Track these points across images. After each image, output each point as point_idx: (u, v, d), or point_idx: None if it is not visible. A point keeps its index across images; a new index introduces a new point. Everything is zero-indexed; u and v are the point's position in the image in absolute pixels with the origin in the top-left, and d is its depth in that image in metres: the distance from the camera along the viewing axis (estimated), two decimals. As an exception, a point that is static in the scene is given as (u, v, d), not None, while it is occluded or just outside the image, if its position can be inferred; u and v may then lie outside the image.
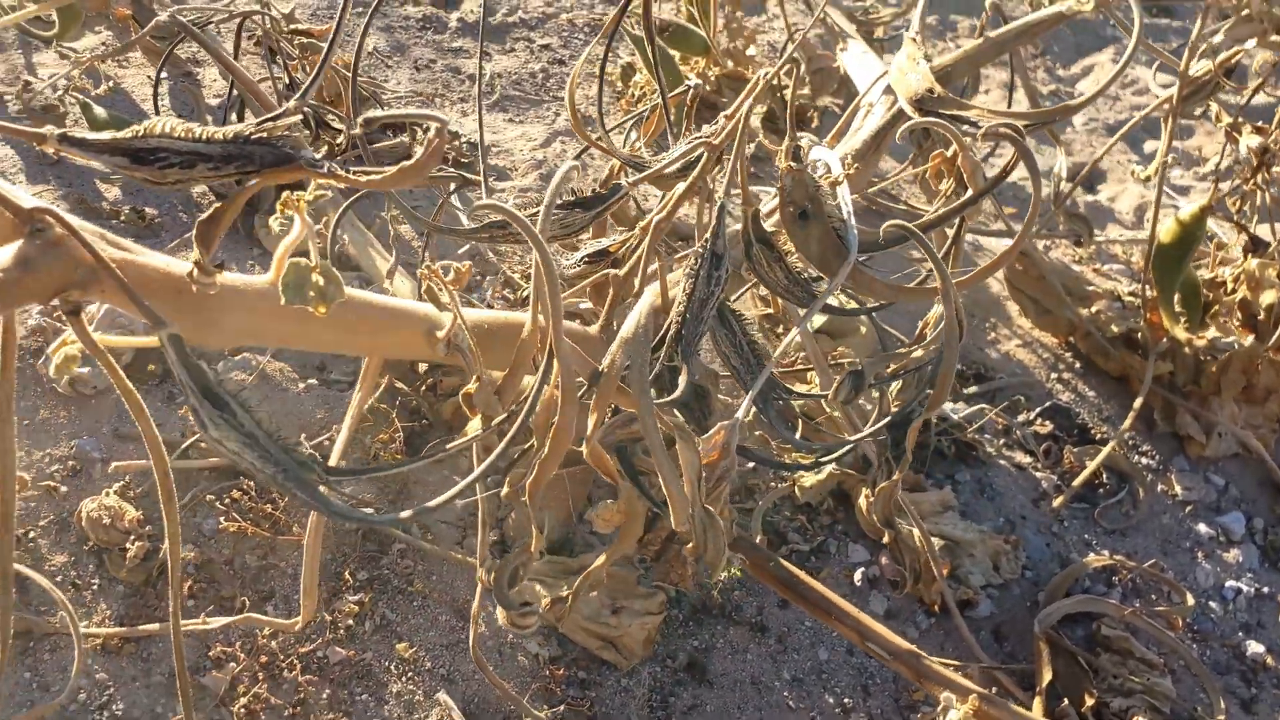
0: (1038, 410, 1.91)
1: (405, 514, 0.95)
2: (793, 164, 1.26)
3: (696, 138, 1.31)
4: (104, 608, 1.42)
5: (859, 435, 1.27)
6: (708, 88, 2.53)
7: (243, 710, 1.34)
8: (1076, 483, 1.76)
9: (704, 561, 1.15)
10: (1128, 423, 1.79)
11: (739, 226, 1.25)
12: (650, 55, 1.51)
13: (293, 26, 2.39)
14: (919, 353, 1.35)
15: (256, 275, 1.02)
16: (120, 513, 1.47)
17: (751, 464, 1.73)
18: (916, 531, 1.52)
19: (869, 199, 1.86)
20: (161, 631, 1.39)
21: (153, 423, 0.89)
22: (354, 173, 0.94)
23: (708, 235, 1.23)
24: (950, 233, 1.58)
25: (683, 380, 1.17)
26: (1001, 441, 1.85)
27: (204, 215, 0.95)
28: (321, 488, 0.86)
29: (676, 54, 2.54)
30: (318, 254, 0.98)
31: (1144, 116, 1.80)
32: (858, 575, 1.60)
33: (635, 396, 1.01)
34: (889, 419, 1.25)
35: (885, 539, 1.35)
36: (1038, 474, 1.81)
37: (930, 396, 1.22)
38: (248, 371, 1.68)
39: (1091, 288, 2.01)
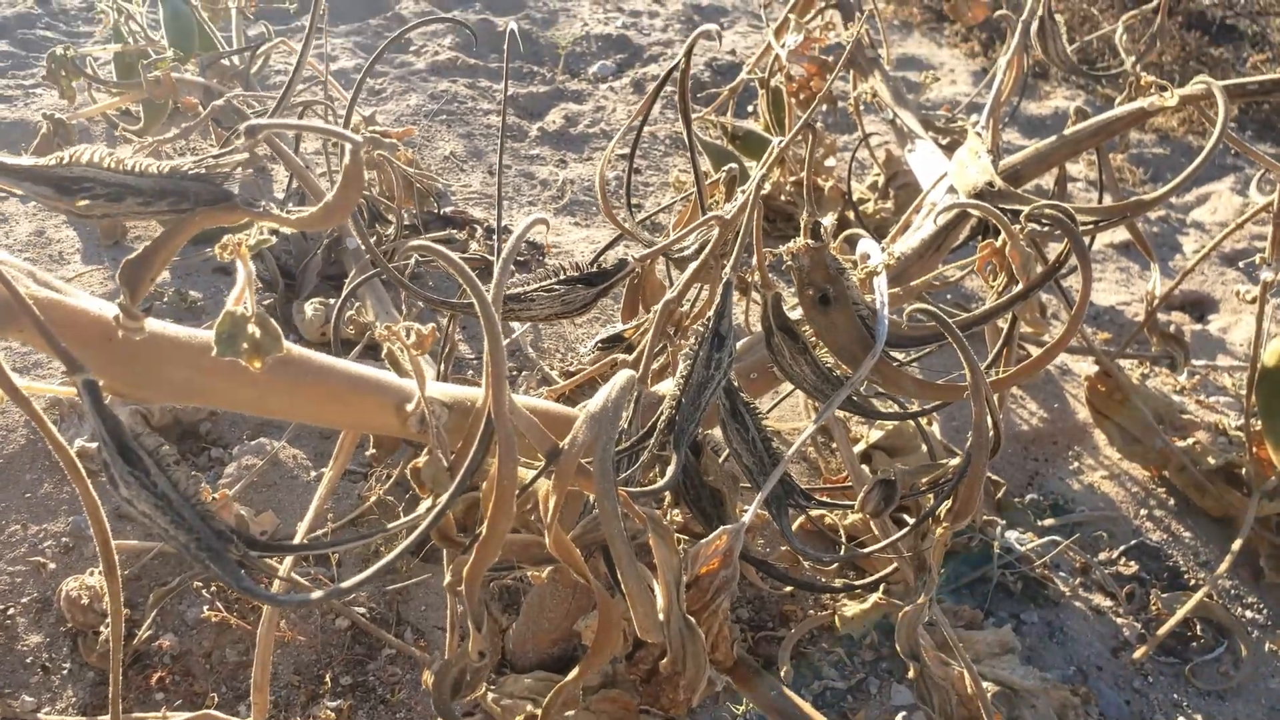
0: (1122, 549, 1.70)
1: (316, 594, 0.83)
2: (810, 242, 1.15)
3: (711, 215, 1.21)
4: (70, 694, 1.33)
5: (870, 548, 1.11)
6: (783, 198, 2.45)
7: (194, 820, 1.22)
8: (1161, 631, 1.53)
9: (683, 680, 1.01)
10: (1224, 566, 1.57)
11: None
12: (689, 137, 1.43)
13: (372, 128, 2.42)
14: (957, 461, 1.19)
15: (203, 329, 0.94)
16: (100, 593, 1.39)
17: (789, 588, 1.57)
18: (965, 675, 1.33)
19: (925, 300, 1.72)
20: (125, 725, 1.29)
21: (87, 483, 0.82)
22: (288, 212, 0.86)
23: (709, 315, 1.12)
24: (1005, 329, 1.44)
25: (671, 470, 1.04)
26: (1078, 581, 1.65)
27: (132, 256, 0.88)
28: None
29: (752, 162, 2.48)
30: (253, 305, 0.90)
31: (1241, 224, 1.63)
32: (900, 718, 1.41)
33: (595, 479, 0.89)
34: (904, 531, 1.10)
35: (910, 673, 1.18)
36: (1118, 620, 1.60)
37: (955, 508, 1.07)
38: (260, 457, 1.61)
39: (1189, 417, 1.81)
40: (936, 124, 2.22)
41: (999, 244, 1.23)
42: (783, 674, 1.38)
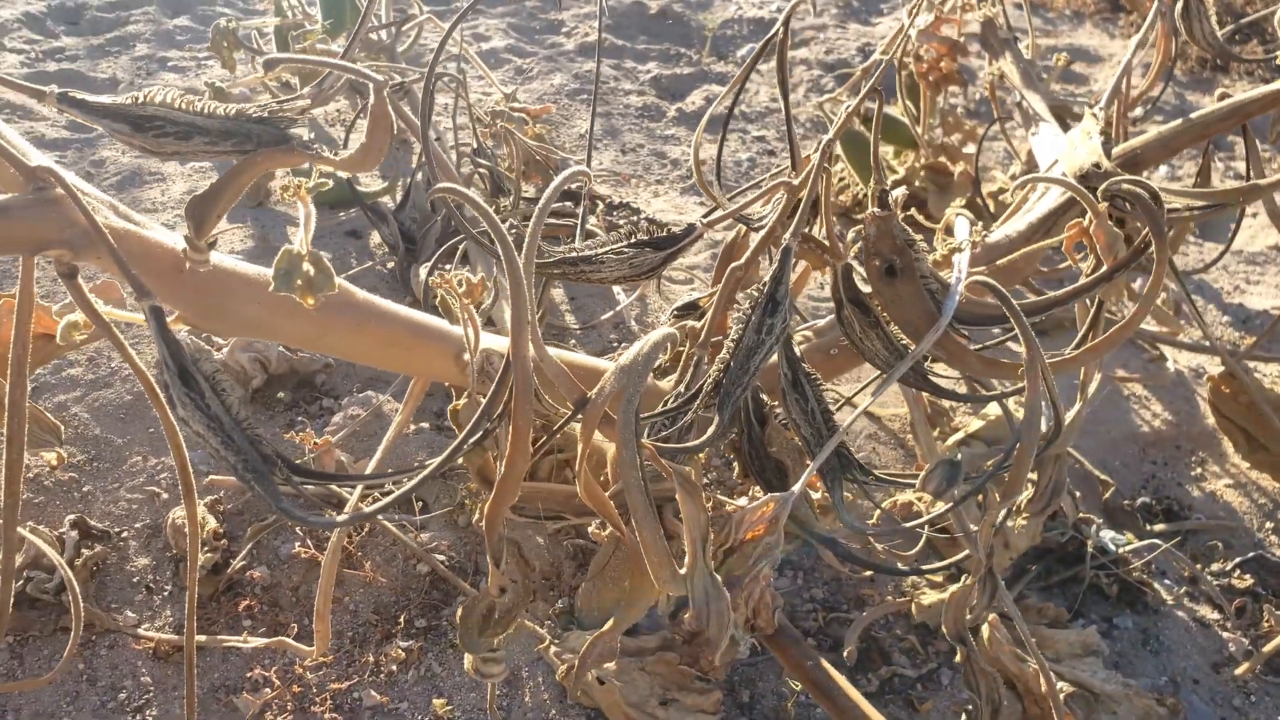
0: (1238, 561, 1.60)
1: (341, 518, 0.87)
2: (876, 211, 1.12)
3: (779, 181, 1.20)
4: (168, 614, 1.43)
5: (908, 525, 1.08)
6: (916, 183, 2.39)
7: (263, 738, 1.30)
8: (1269, 648, 1.44)
9: (709, 639, 1.01)
10: (1344, 585, 1.46)
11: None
12: (785, 107, 1.42)
13: (513, 104, 2.48)
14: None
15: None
16: (202, 523, 1.49)
17: (868, 573, 1.54)
18: (1040, 673, 1.28)
19: (1031, 284, 1.65)
20: (209, 644, 1.38)
21: (166, 408, 0.87)
22: (334, 154, 0.91)
23: (765, 280, 1.11)
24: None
25: (711, 430, 1.05)
26: (1184, 590, 1.56)
27: (198, 193, 0.93)
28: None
29: (887, 146, 2.43)
30: (308, 244, 0.94)
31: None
32: (964, 715, 1.37)
33: (618, 427, 0.90)
34: (944, 509, 1.07)
35: (958, 657, 1.14)
36: (1224, 634, 1.50)
37: (1004, 489, 1.03)
38: (365, 408, 1.69)
39: (1327, 427, 1.68)
40: (1075, 110, 2.12)
41: (1086, 224, 1.17)
42: (846, 655, 1.36)
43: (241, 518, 1.55)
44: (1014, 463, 1.00)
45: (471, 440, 0.91)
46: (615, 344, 1.94)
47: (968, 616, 1.23)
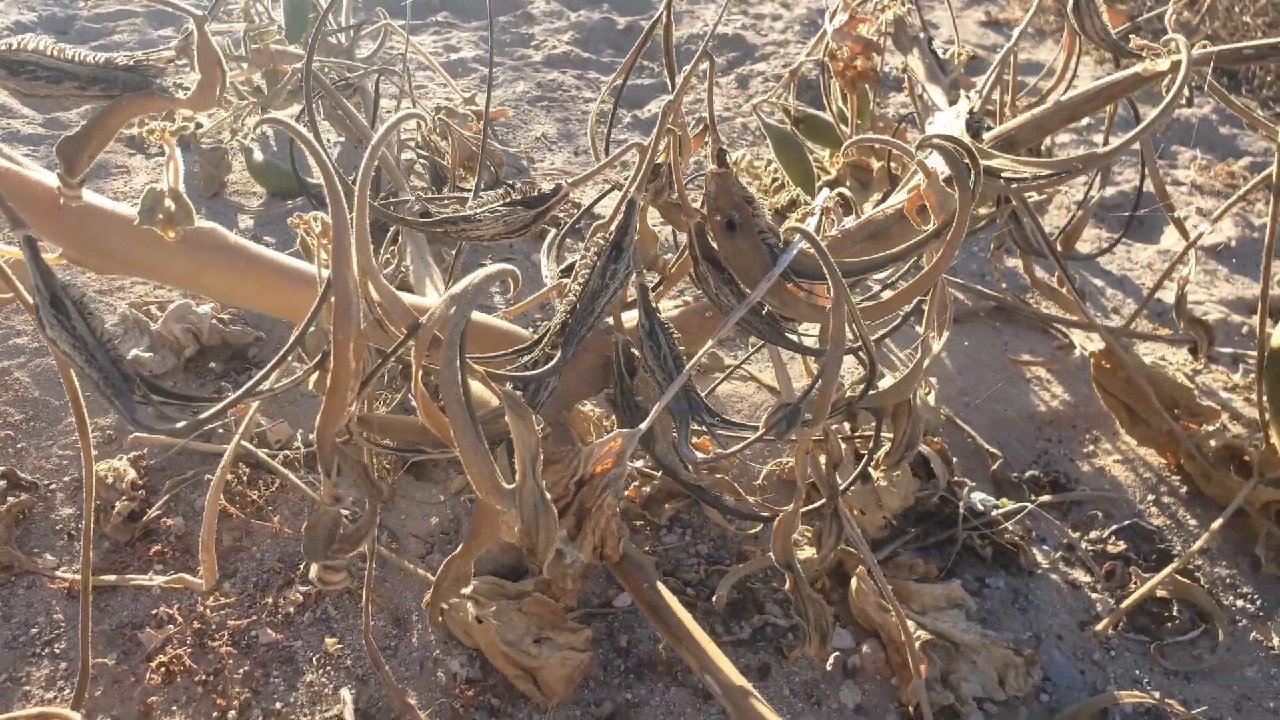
0: (1114, 528, 1.66)
1: (180, 425, 0.96)
2: (716, 169, 1.21)
3: (631, 144, 1.29)
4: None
5: (732, 450, 1.16)
6: (848, 182, 2.47)
7: (160, 668, 1.38)
8: (1126, 604, 1.50)
9: (535, 552, 1.09)
10: (1199, 544, 1.52)
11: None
12: (673, 87, 1.51)
13: (470, 106, 2.59)
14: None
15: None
16: (122, 474, 1.58)
17: (755, 530, 1.61)
18: (898, 621, 1.35)
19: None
20: (117, 583, 1.47)
21: (41, 333, 0.94)
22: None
23: (611, 227, 1.20)
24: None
25: (553, 363, 1.13)
26: (1059, 555, 1.62)
27: (69, 134, 1.03)
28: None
29: (813, 144, 2.51)
30: (171, 184, 1.04)
31: (1240, 197, 1.58)
32: (831, 660, 1.44)
33: (444, 347, 0.98)
34: (736, 448, 1.15)
35: (787, 584, 1.20)
36: (1093, 595, 1.57)
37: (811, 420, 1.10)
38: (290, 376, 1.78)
39: (1209, 404, 1.75)
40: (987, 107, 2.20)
41: (922, 187, 1.26)
42: (715, 600, 1.43)
43: (164, 473, 1.64)
44: (820, 389, 1.07)
45: (294, 361, 0.99)
46: (539, 321, 2.03)
47: (818, 554, 1.31)
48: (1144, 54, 1.57)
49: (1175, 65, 1.46)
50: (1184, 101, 1.89)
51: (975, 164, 1.14)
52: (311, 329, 1.15)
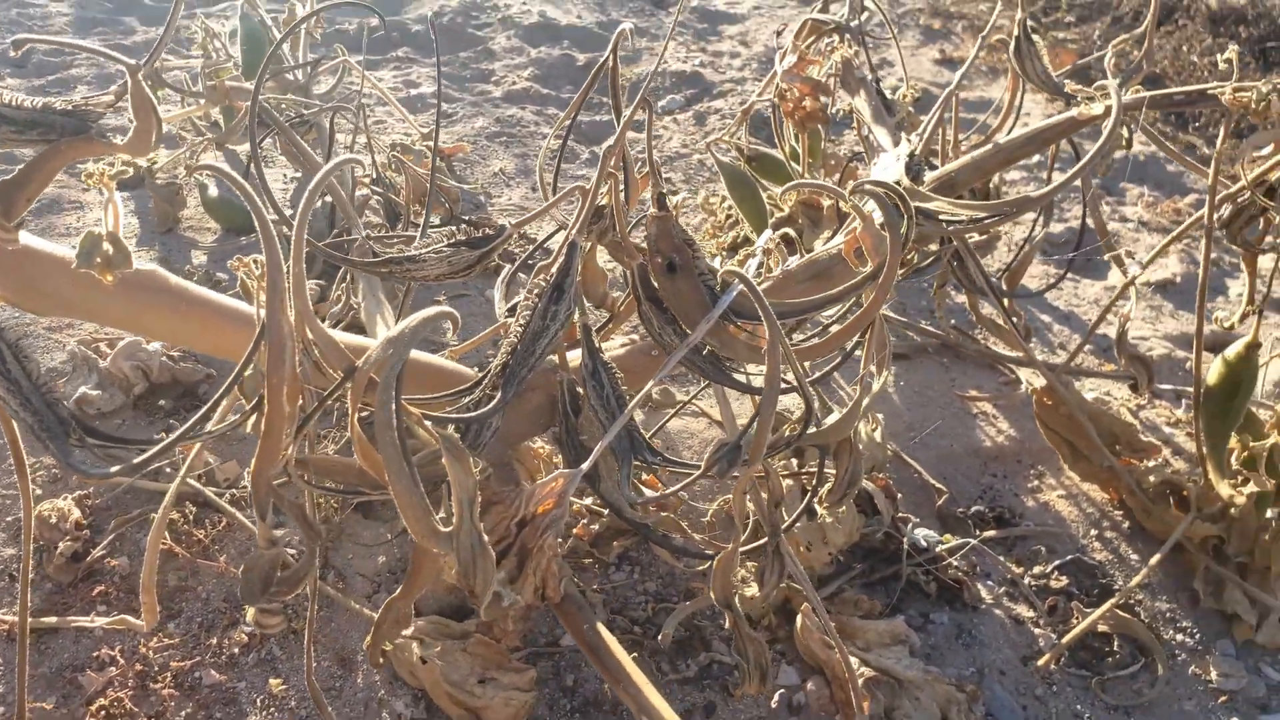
0: (1056, 563, 1.68)
1: (115, 469, 0.96)
2: (656, 212, 1.23)
3: (573, 187, 1.30)
4: (29, 599, 1.50)
5: (673, 487, 1.17)
6: (800, 220, 2.50)
7: (101, 712, 1.36)
8: (1067, 639, 1.52)
9: (474, 594, 1.09)
10: (1139, 578, 1.54)
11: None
12: (619, 127, 1.53)
13: (426, 143, 2.61)
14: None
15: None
16: (66, 514, 1.57)
17: (701, 567, 1.62)
18: (842, 658, 1.36)
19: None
20: (58, 624, 1.45)
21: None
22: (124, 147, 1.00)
23: (553, 269, 1.21)
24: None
25: (493, 404, 1.14)
26: (1003, 590, 1.64)
27: (7, 178, 1.03)
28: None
29: (766, 181, 2.54)
30: (110, 228, 1.04)
31: (1173, 238, 1.62)
32: (776, 697, 1.45)
33: (379, 390, 0.99)
34: (686, 483, 1.16)
35: (727, 623, 1.21)
36: (1036, 630, 1.59)
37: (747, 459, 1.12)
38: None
39: (1150, 439, 1.78)
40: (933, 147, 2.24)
41: (858, 230, 1.28)
42: (661, 639, 1.43)
43: (109, 512, 1.63)
44: (756, 430, 1.09)
45: (241, 399, 1.00)
46: (491, 357, 2.03)
47: (760, 592, 1.32)
48: (1078, 98, 1.62)
49: (1108, 110, 1.50)
50: (1123, 143, 1.94)
51: (907, 208, 1.16)
52: (249, 371, 1.16)
